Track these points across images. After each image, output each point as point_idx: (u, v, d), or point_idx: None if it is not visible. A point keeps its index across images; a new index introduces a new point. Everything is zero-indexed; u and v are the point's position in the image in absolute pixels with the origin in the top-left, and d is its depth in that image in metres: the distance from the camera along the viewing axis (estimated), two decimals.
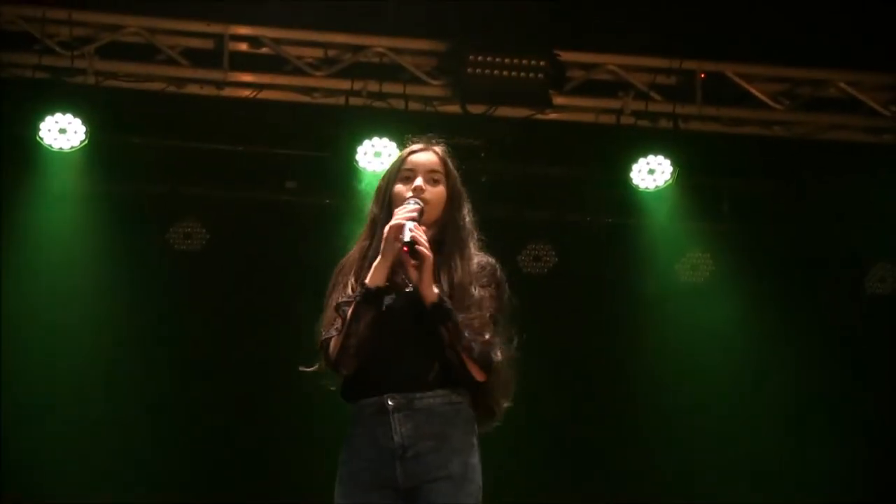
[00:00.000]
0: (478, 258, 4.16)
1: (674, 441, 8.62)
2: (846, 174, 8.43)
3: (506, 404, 4.15)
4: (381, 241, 4.06)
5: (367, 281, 4.01)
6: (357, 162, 7.97)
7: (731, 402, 8.68)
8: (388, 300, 4.07)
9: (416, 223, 3.97)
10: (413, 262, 3.99)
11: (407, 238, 3.96)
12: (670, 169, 8.23)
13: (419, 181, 4.10)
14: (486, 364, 4.02)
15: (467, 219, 4.17)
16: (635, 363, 8.71)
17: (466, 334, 3.98)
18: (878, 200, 8.44)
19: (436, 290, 4.02)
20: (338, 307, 4.03)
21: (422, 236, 3.99)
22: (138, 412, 8.15)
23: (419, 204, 4.02)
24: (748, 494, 8.61)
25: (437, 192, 4.09)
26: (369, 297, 3.99)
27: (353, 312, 4.00)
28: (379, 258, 4.03)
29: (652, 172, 8.24)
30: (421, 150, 4.19)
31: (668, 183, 8.25)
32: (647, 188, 8.30)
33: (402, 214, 4.00)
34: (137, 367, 8.17)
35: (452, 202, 4.14)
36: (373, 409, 4.05)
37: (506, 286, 4.19)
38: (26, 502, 7.97)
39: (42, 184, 7.98)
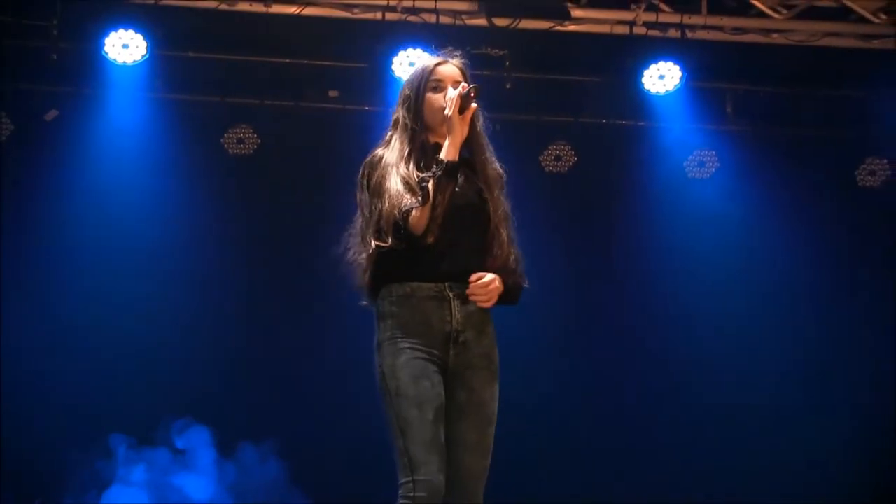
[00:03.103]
0: (496, 166, 4.33)
1: (683, 328, 8.76)
2: (840, 77, 8.50)
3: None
4: (423, 138, 4.23)
5: (443, 156, 4.14)
6: (393, 71, 8.10)
7: (735, 290, 8.81)
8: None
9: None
10: (462, 108, 4.13)
11: (460, 91, 4.15)
12: (679, 74, 8.33)
13: (450, 90, 4.21)
14: (521, 269, 4.28)
15: (484, 126, 4.32)
16: (646, 253, 8.84)
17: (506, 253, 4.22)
18: (869, 101, 8.56)
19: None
20: (418, 182, 4.10)
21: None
22: (187, 305, 8.33)
23: (454, 94, 4.17)
24: (756, 385, 8.73)
25: None
26: (450, 170, 4.13)
27: (435, 185, 4.11)
28: (449, 137, 4.17)
29: (662, 78, 8.38)
30: (443, 62, 4.30)
31: (676, 87, 8.37)
32: (657, 92, 8.42)
33: (455, 91, 4.17)
34: (191, 261, 8.35)
35: (475, 112, 4.25)
36: (429, 294, 4.18)
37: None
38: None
39: (107, 94, 8.20)
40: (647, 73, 8.46)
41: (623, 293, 8.86)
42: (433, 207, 4.10)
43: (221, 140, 8.55)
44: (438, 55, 4.35)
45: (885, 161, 8.84)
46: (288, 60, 8.32)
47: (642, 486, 8.57)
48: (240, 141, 8.55)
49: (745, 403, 8.71)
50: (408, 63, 8.08)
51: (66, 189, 8.24)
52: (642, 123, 8.74)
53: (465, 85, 4.20)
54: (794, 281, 8.87)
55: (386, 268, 4.18)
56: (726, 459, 8.64)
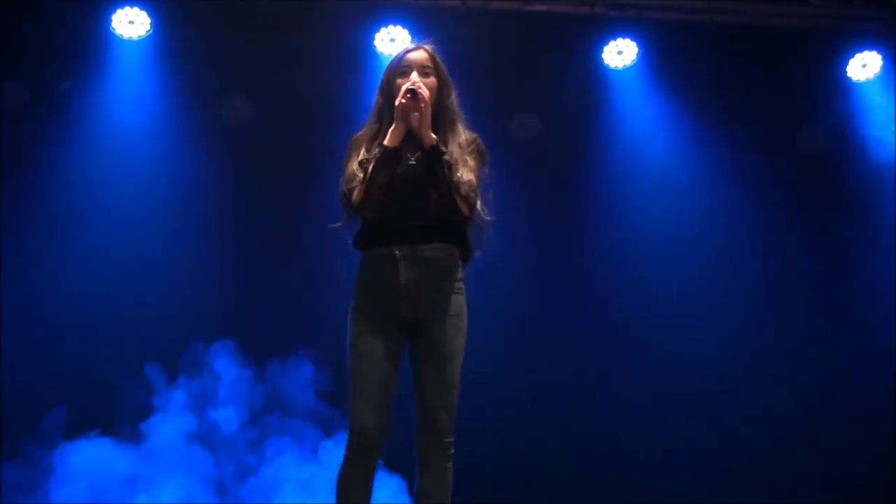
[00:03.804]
0: (465, 134, 4.64)
1: (643, 293, 8.96)
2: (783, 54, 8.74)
3: (477, 252, 4.69)
4: (390, 120, 4.54)
5: (385, 142, 4.51)
6: (375, 47, 8.41)
7: (691, 252, 8.95)
8: (398, 169, 4.48)
9: (418, 89, 4.49)
10: (413, 104, 4.43)
11: (408, 85, 4.50)
12: (635, 50, 8.58)
13: (414, 75, 4.57)
14: (471, 199, 4.52)
15: (455, 102, 4.66)
16: (605, 219, 9.04)
17: (456, 176, 4.48)
18: (810, 76, 8.86)
19: (433, 136, 4.51)
20: (360, 164, 4.48)
21: (423, 90, 4.50)
22: (186, 265, 8.48)
23: (417, 78, 4.56)
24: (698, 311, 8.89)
25: (429, 82, 4.62)
26: (388, 153, 4.49)
27: (373, 167, 4.46)
28: (394, 124, 4.52)
29: (620, 54, 8.67)
30: (414, 49, 4.67)
31: (633, 62, 8.63)
32: (616, 67, 8.69)
33: (405, 86, 4.55)
34: (204, 204, 8.55)
35: (441, 90, 4.64)
36: (383, 257, 4.53)
37: (486, 155, 4.67)
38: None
39: (113, 67, 8.42)
40: (606, 49, 8.76)
41: (584, 255, 9.01)
42: (371, 185, 4.46)
43: (219, 108, 8.75)
44: (414, 42, 4.72)
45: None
46: (278, 37, 8.47)
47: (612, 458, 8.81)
48: (237, 110, 8.74)
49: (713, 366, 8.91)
50: (388, 39, 8.39)
51: (84, 150, 8.49)
52: (602, 96, 8.91)
53: (416, 81, 4.55)
54: (746, 237, 9.09)
55: (356, 239, 4.64)
56: (689, 409, 8.82)
